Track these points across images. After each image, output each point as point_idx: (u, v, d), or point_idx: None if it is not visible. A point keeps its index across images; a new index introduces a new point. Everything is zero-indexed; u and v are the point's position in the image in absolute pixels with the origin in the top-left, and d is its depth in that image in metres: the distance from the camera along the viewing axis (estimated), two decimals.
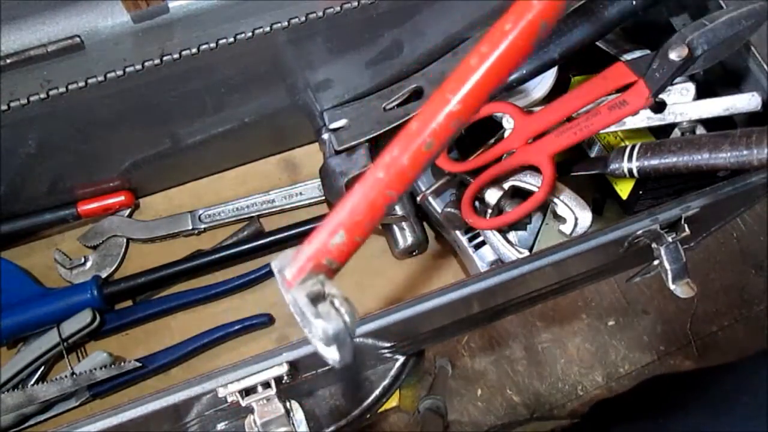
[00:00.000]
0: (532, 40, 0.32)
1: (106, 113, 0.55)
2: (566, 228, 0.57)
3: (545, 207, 0.60)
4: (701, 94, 0.58)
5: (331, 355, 0.31)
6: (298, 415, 0.46)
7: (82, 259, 0.67)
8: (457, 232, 0.64)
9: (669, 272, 0.53)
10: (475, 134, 0.62)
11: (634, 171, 0.55)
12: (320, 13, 0.53)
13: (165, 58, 0.50)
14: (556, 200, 0.57)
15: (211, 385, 0.44)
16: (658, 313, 1.40)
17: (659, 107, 0.57)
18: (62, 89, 0.49)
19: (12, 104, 0.49)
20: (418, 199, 0.64)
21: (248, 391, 0.45)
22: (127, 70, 0.50)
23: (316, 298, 0.31)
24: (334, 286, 0.31)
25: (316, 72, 0.61)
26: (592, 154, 0.65)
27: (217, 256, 0.66)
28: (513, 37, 0.32)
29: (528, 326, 1.37)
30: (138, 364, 0.62)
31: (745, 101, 0.54)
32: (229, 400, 0.44)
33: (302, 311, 0.31)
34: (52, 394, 0.60)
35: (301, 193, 0.70)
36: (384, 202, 0.33)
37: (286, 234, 0.67)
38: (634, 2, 0.54)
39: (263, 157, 0.73)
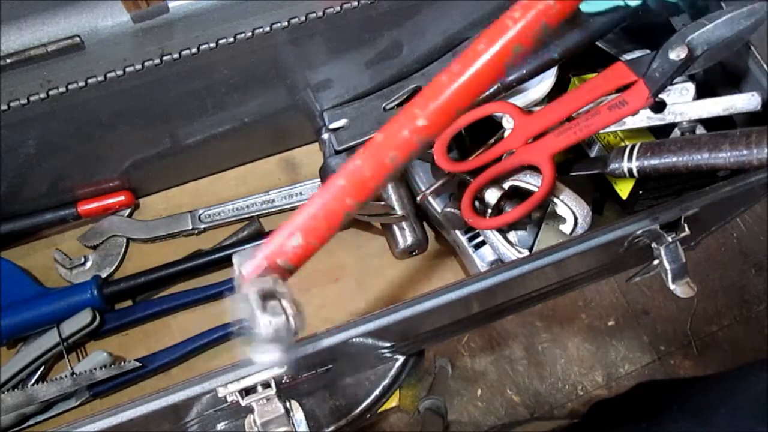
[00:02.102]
0: (505, 63, 0.32)
1: (106, 113, 0.55)
2: (566, 228, 0.57)
3: (545, 207, 0.60)
4: (701, 94, 0.58)
5: (271, 357, 0.32)
6: (298, 415, 0.46)
7: (82, 259, 0.67)
8: (457, 232, 0.64)
9: (669, 272, 0.53)
10: (475, 134, 0.62)
11: (634, 171, 0.55)
12: (320, 13, 0.53)
13: (165, 58, 0.50)
14: (556, 200, 0.57)
15: (211, 384, 0.44)
16: (658, 313, 1.40)
17: (659, 107, 0.57)
18: (62, 89, 0.49)
19: (12, 104, 0.49)
20: (418, 199, 0.64)
21: (248, 391, 0.45)
22: (127, 70, 0.50)
23: (266, 296, 0.31)
24: (285, 286, 0.32)
25: (316, 72, 0.61)
26: (592, 154, 0.65)
27: (217, 256, 0.66)
28: (485, 59, 0.32)
29: (528, 326, 1.37)
30: (138, 364, 0.62)
31: (745, 101, 0.54)
32: (229, 399, 0.44)
33: (251, 307, 0.31)
34: (52, 394, 0.60)
35: (301, 193, 0.70)
36: (343, 210, 0.33)
37: None
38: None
39: (263, 157, 0.73)
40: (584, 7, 0.34)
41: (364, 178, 0.33)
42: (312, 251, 0.33)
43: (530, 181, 0.58)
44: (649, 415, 0.78)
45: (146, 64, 0.50)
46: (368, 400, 0.67)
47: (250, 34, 0.52)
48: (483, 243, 0.63)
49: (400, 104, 0.66)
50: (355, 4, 0.53)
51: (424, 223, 0.68)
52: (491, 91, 0.58)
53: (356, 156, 0.33)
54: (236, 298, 0.32)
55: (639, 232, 0.51)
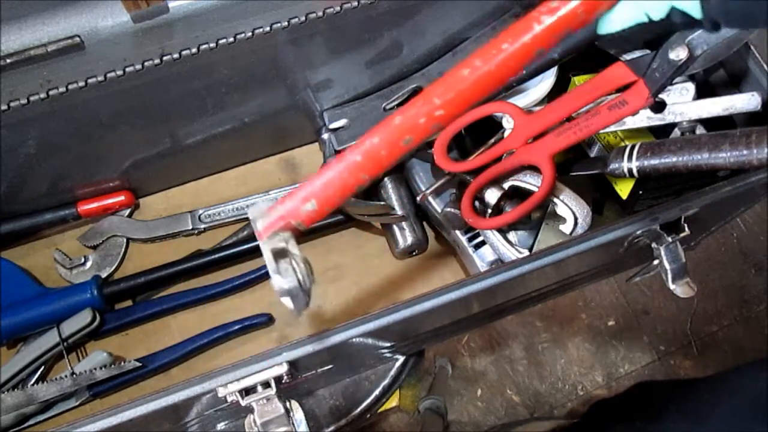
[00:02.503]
0: (525, 63, 0.34)
1: (106, 113, 0.55)
2: (566, 228, 0.57)
3: (545, 207, 0.60)
4: (701, 94, 0.58)
5: (287, 304, 0.36)
6: (298, 414, 0.46)
7: (82, 259, 0.67)
8: (457, 232, 0.64)
9: (669, 272, 0.53)
10: (475, 134, 0.62)
11: (634, 171, 0.55)
12: (320, 13, 0.53)
13: (165, 58, 0.50)
14: (556, 200, 0.57)
15: (211, 384, 0.44)
16: (658, 313, 1.40)
17: (659, 107, 0.57)
18: (62, 89, 0.49)
19: (12, 104, 0.49)
20: (418, 199, 0.64)
21: (248, 391, 0.45)
22: (127, 70, 0.50)
23: (279, 254, 0.35)
24: (297, 246, 0.36)
25: (316, 72, 0.61)
26: (592, 154, 0.65)
27: (217, 256, 0.66)
28: (506, 56, 0.33)
29: (528, 326, 1.37)
30: (138, 364, 0.62)
31: (745, 101, 0.54)
32: (229, 399, 0.44)
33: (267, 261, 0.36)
34: (52, 394, 0.60)
35: None
36: (356, 183, 0.36)
37: None
38: None
39: (263, 157, 0.73)
40: (604, 29, 0.35)
41: (379, 156, 0.35)
42: (323, 215, 0.37)
43: (530, 181, 0.58)
44: (647, 415, 0.78)
45: (146, 64, 0.50)
46: (368, 400, 0.67)
47: (250, 34, 0.52)
48: (483, 243, 0.63)
49: (400, 104, 0.66)
50: (355, 4, 0.53)
51: (424, 223, 0.68)
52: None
53: (373, 133, 0.35)
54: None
55: (639, 232, 0.51)
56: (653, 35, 0.42)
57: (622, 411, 0.93)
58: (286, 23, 0.52)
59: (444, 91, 0.34)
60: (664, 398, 0.79)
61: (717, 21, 0.32)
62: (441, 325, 0.60)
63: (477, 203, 0.59)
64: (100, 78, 0.50)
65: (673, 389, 0.85)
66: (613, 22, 0.34)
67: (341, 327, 0.45)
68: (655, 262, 0.54)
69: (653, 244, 0.53)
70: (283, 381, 0.45)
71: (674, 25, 0.34)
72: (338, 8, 0.53)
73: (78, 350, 0.65)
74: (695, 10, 0.32)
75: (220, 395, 0.44)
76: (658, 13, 0.33)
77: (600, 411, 1.06)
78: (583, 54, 0.57)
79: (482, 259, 0.63)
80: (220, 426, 0.62)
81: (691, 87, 0.57)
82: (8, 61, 0.45)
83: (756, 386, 0.64)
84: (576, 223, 0.57)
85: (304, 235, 0.66)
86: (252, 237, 0.68)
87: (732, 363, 1.36)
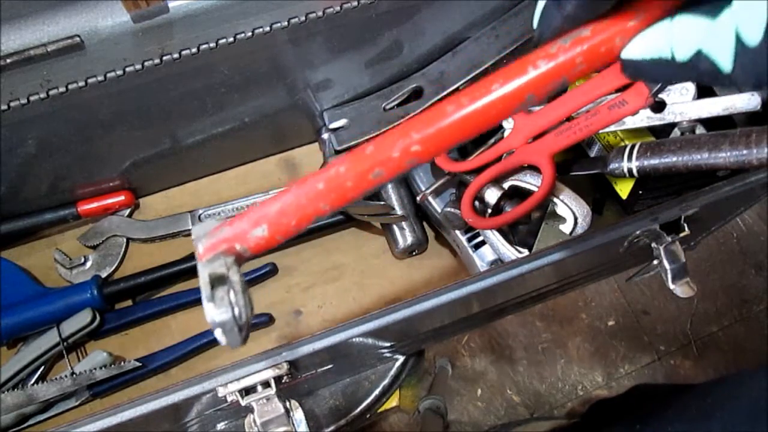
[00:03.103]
0: (514, 108, 0.31)
1: (106, 113, 0.55)
2: (566, 228, 0.57)
3: (545, 207, 0.60)
4: (701, 93, 0.58)
5: (219, 337, 0.31)
6: (298, 414, 0.46)
7: (82, 259, 0.67)
8: (457, 232, 0.64)
9: (669, 272, 0.53)
10: None
11: (634, 171, 0.55)
12: (320, 13, 0.53)
13: (165, 58, 0.50)
14: (556, 200, 0.57)
15: (211, 384, 0.44)
16: (658, 313, 1.40)
17: (659, 107, 0.57)
18: (62, 89, 0.49)
19: (12, 104, 0.49)
20: (418, 199, 0.64)
21: (248, 391, 0.45)
22: (127, 70, 0.50)
23: (217, 280, 0.31)
24: (239, 273, 0.31)
25: (316, 72, 0.61)
26: (592, 154, 0.65)
27: None
28: (495, 99, 0.30)
29: (528, 326, 1.37)
30: (138, 364, 0.62)
31: (745, 101, 0.54)
32: (229, 399, 0.44)
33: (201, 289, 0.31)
34: (52, 394, 0.60)
35: None
36: (314, 213, 0.32)
37: None
38: None
39: (263, 157, 0.73)
40: (624, 54, 0.30)
41: (344, 188, 0.32)
42: (274, 244, 0.33)
43: (530, 181, 0.58)
44: (645, 418, 0.78)
45: (146, 64, 0.50)
46: (368, 400, 0.67)
47: (250, 34, 0.52)
48: (483, 243, 0.63)
49: (400, 104, 0.66)
50: (355, 4, 0.53)
51: (424, 223, 0.68)
52: None
53: (341, 161, 0.32)
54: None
55: (639, 232, 0.51)
56: (675, 80, 0.34)
57: (622, 412, 0.93)
58: (286, 23, 0.52)
59: (423, 125, 0.31)
60: (663, 402, 0.79)
61: (754, 80, 0.25)
62: (441, 325, 0.60)
63: (477, 203, 0.59)
64: (100, 78, 0.50)
65: (671, 393, 0.85)
66: (634, 49, 0.29)
67: (341, 327, 0.45)
68: (655, 262, 0.54)
69: (653, 244, 0.53)
70: (283, 381, 0.45)
71: (699, 75, 0.27)
72: (338, 8, 0.53)
73: (78, 350, 0.65)
74: (725, 61, 0.25)
75: (220, 395, 0.44)
76: (684, 52, 0.27)
77: (600, 411, 1.06)
78: None
79: (482, 259, 0.63)
80: (220, 426, 0.62)
81: (691, 87, 0.57)
82: (8, 61, 0.45)
83: (755, 392, 0.64)
84: (576, 223, 0.57)
85: (304, 235, 0.67)
86: None
87: (732, 363, 1.36)
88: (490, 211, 0.58)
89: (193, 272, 0.67)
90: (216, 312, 0.30)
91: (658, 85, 0.50)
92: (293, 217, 0.32)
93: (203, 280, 0.31)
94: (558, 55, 0.29)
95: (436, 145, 0.31)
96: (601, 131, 0.55)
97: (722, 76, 0.26)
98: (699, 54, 0.26)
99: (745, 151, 0.48)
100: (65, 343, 0.61)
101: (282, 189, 0.70)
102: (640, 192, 0.60)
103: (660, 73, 0.29)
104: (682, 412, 0.71)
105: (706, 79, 0.27)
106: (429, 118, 0.31)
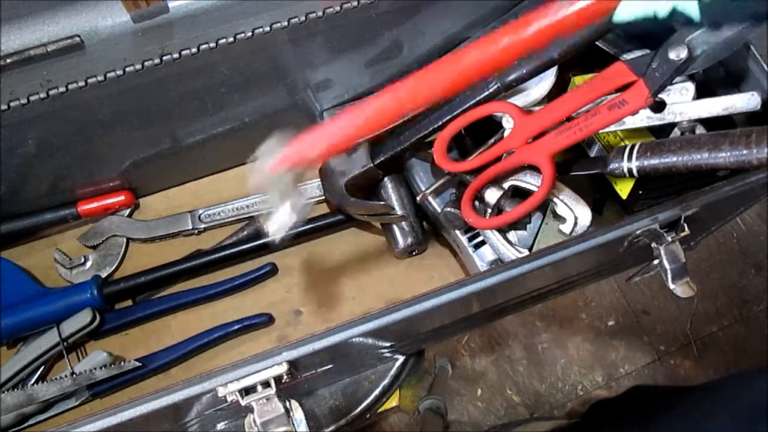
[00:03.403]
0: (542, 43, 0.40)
1: (106, 113, 0.55)
2: (566, 228, 0.57)
3: (545, 207, 0.60)
4: (701, 93, 0.58)
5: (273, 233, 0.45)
6: (298, 414, 0.46)
7: (82, 259, 0.67)
8: (457, 232, 0.64)
9: (669, 272, 0.53)
10: (475, 134, 0.62)
11: (634, 171, 0.55)
12: (320, 13, 0.53)
13: (165, 58, 0.51)
14: (556, 200, 0.57)
15: (210, 384, 0.44)
16: (658, 313, 1.40)
17: (659, 107, 0.57)
18: (62, 89, 0.49)
19: (12, 104, 0.49)
20: (418, 199, 0.64)
21: (248, 391, 0.45)
22: (127, 69, 0.50)
23: (281, 192, 0.43)
24: (297, 189, 0.45)
25: (316, 72, 0.61)
26: (592, 154, 0.65)
27: (217, 256, 0.66)
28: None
29: (528, 326, 1.37)
30: (138, 364, 0.62)
31: (745, 101, 0.54)
32: (229, 399, 0.44)
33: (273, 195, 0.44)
34: (52, 394, 0.60)
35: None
36: (358, 135, 0.45)
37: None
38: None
39: None
40: (615, 17, 0.40)
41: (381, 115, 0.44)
42: (326, 159, 0.46)
43: (530, 181, 0.58)
44: (644, 419, 0.78)
45: (146, 64, 0.50)
46: (368, 400, 0.67)
47: (250, 34, 0.52)
48: (483, 243, 0.63)
49: None
50: (355, 4, 0.53)
51: (424, 223, 0.68)
52: (491, 90, 0.58)
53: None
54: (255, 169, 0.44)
55: (639, 232, 0.51)
56: (665, 30, 0.47)
57: (621, 412, 0.93)
58: (286, 23, 0.52)
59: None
60: (663, 402, 0.79)
61: (718, 21, 0.36)
62: (441, 325, 0.60)
63: (477, 203, 0.59)
64: (100, 78, 0.50)
65: (671, 393, 0.85)
66: (622, 14, 0.38)
67: (341, 327, 0.45)
68: (655, 262, 0.54)
69: (653, 244, 0.53)
70: (283, 381, 0.45)
71: (679, 24, 0.37)
72: (338, 8, 0.53)
73: (78, 350, 0.65)
74: (694, 12, 0.35)
75: (220, 395, 0.44)
76: (662, 13, 0.37)
77: (599, 411, 1.06)
78: (583, 54, 0.57)
79: (482, 259, 0.63)
80: (220, 426, 0.62)
81: (690, 87, 0.57)
82: (8, 61, 0.45)
83: (755, 393, 0.64)
84: (576, 223, 0.57)
85: (303, 235, 0.67)
86: (252, 237, 0.68)
87: (732, 363, 1.36)
88: (490, 211, 0.58)
89: (193, 272, 0.67)
90: (277, 219, 0.43)
91: (658, 85, 0.50)
92: (342, 140, 0.45)
93: (273, 192, 0.43)
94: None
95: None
96: (601, 131, 0.55)
97: (694, 23, 0.36)
98: (674, 10, 0.36)
99: (745, 151, 0.48)
100: (65, 343, 0.61)
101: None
102: (640, 192, 0.60)
103: (646, 29, 0.39)
104: (682, 413, 0.72)
105: (684, 26, 0.40)
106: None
